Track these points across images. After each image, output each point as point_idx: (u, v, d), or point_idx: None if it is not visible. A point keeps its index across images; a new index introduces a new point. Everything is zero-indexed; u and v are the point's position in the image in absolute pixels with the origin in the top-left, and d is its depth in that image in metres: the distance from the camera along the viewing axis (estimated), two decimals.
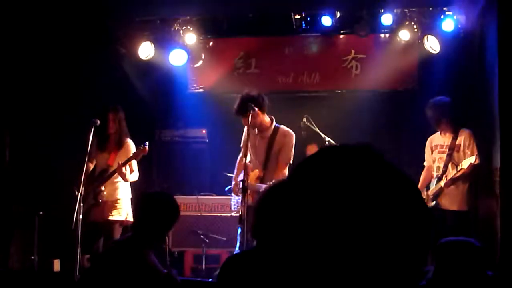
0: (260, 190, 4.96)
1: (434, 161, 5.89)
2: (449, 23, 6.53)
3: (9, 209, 6.33)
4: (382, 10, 6.79)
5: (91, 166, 5.84)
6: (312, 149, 7.08)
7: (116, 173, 5.64)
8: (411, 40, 6.91)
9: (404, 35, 6.87)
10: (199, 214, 6.74)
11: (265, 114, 5.55)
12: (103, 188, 5.68)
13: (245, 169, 5.20)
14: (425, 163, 6.00)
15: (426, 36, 6.71)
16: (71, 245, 5.23)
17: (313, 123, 6.49)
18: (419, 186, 5.81)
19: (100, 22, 6.72)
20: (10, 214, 6.33)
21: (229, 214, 6.50)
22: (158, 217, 3.35)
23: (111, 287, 3.24)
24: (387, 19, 6.81)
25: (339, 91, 7.68)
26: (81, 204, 5.25)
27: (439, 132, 5.90)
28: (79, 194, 5.27)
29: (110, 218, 5.66)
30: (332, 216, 0.84)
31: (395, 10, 6.81)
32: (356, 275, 0.83)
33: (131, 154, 5.70)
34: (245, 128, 5.56)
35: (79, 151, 5.49)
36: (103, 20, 6.75)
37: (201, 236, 6.51)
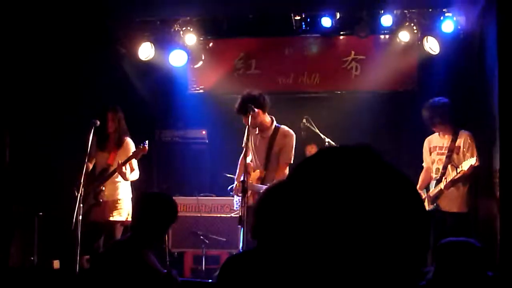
0: (261, 191, 4.96)
1: (433, 163, 5.87)
2: (448, 24, 6.54)
3: (9, 209, 6.31)
4: (382, 11, 6.79)
5: (91, 166, 5.85)
6: (311, 150, 7.09)
7: (116, 173, 5.65)
8: (411, 41, 6.91)
9: (404, 36, 6.88)
10: (199, 214, 6.74)
11: (266, 114, 5.57)
12: (103, 187, 5.69)
13: (246, 169, 5.20)
14: (423, 164, 6.00)
15: (425, 37, 6.71)
16: (71, 246, 5.23)
17: (313, 124, 6.49)
18: (418, 187, 5.81)
19: (100, 22, 6.71)
20: (10, 214, 6.32)
21: (229, 215, 6.51)
22: (156, 217, 3.36)
23: (111, 287, 3.25)
24: (387, 20, 6.81)
25: (339, 92, 7.69)
26: (81, 205, 5.24)
27: (437, 133, 5.89)
28: (79, 194, 5.27)
29: (111, 218, 5.67)
30: (331, 217, 0.84)
31: (395, 11, 6.81)
32: (356, 276, 0.83)
33: (131, 153, 5.71)
34: (247, 128, 5.56)
35: (79, 151, 5.48)
36: (103, 20, 6.75)
37: (201, 237, 6.50)
